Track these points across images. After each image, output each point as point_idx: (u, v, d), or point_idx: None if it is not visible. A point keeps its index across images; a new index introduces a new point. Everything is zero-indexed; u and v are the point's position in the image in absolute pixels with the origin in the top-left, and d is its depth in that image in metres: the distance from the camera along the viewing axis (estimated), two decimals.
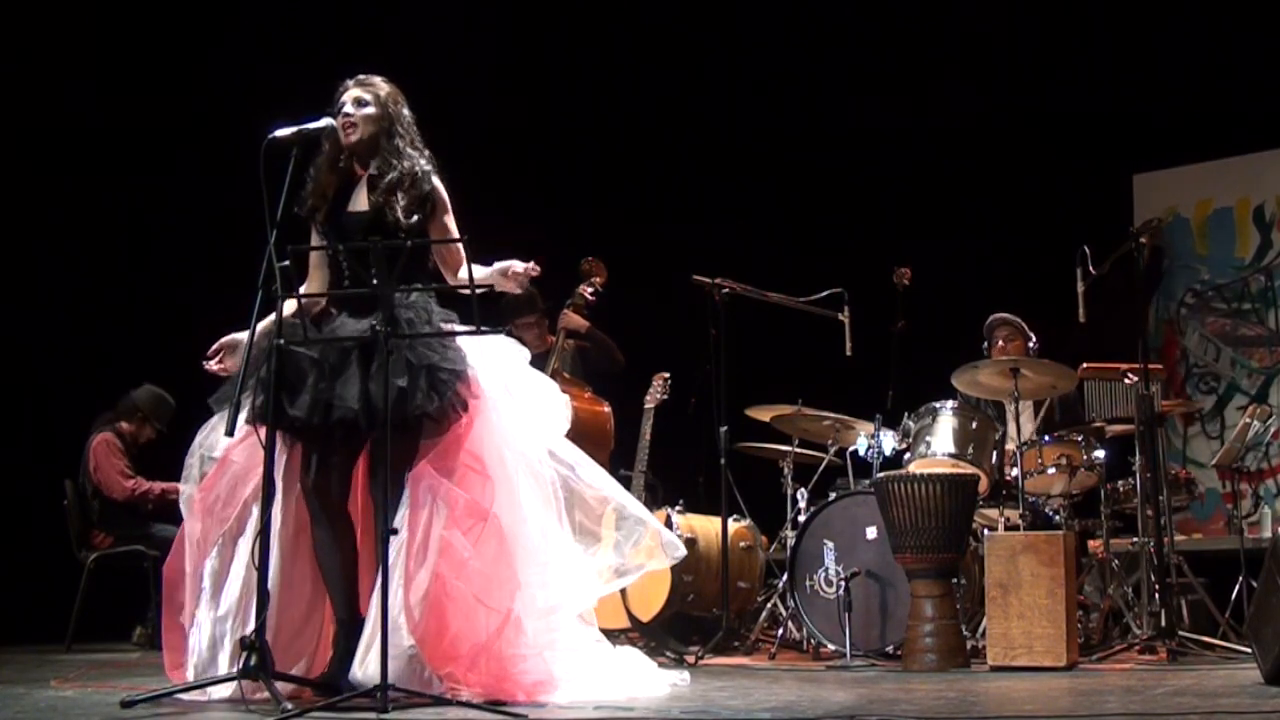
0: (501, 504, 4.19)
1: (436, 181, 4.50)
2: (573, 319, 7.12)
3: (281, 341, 4.11)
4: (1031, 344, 6.94)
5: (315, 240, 4.52)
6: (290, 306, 4.16)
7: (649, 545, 4.54)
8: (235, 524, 4.33)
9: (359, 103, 4.48)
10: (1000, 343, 6.99)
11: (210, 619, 4.25)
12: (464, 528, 4.13)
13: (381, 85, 4.54)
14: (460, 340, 4.31)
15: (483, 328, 4.05)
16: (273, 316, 4.20)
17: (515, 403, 4.38)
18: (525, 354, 4.57)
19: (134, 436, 7.98)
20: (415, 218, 4.39)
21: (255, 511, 4.29)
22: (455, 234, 4.44)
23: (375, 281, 4.16)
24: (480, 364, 4.33)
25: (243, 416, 4.10)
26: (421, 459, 4.21)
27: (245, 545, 4.25)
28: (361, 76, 4.56)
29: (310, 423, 4.17)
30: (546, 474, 4.38)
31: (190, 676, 4.23)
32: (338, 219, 4.47)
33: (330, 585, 4.30)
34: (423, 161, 4.49)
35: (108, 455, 7.80)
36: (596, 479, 4.53)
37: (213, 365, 4.43)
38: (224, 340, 4.43)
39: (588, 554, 4.44)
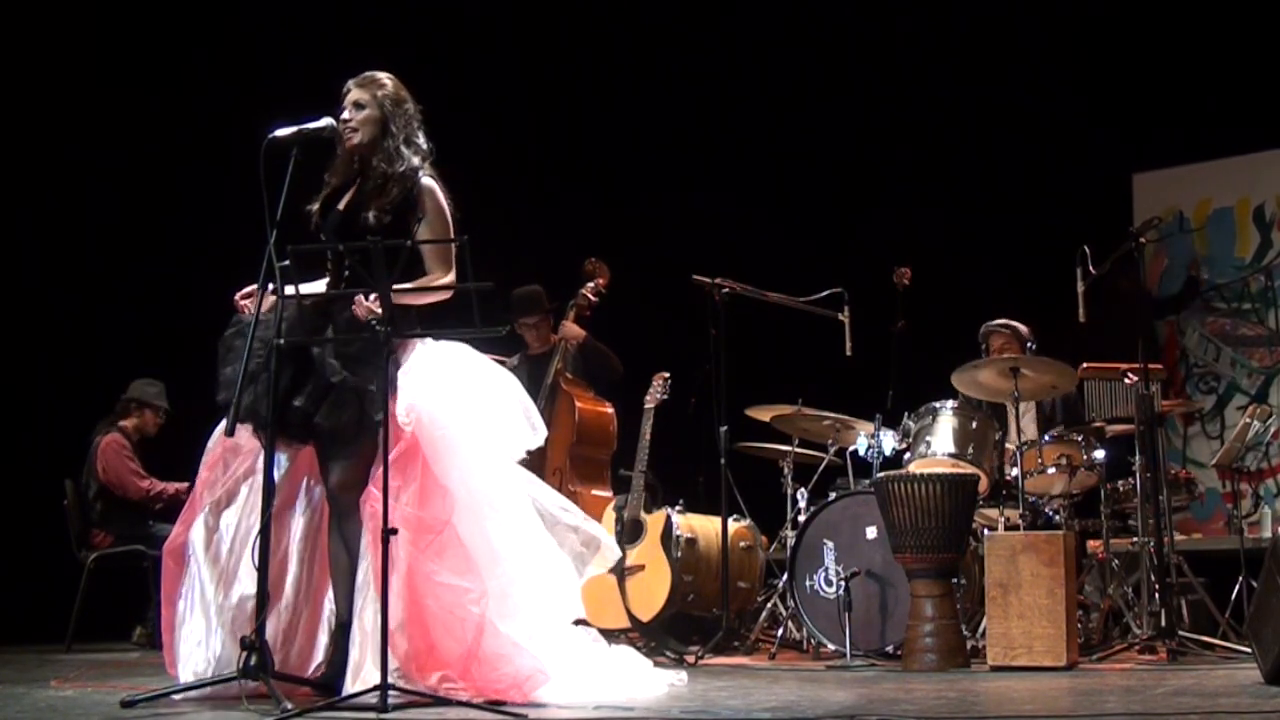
0: (461, 513, 4.17)
1: (426, 181, 4.42)
2: (571, 330, 7.12)
3: (281, 342, 4.11)
4: (1029, 348, 6.90)
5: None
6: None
7: (582, 552, 4.54)
8: (224, 496, 4.37)
9: (358, 106, 4.46)
10: (995, 351, 6.96)
11: (195, 588, 4.30)
12: (424, 544, 4.11)
13: (382, 83, 4.50)
14: (419, 352, 4.31)
15: (483, 328, 4.05)
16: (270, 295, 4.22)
17: (471, 415, 4.32)
18: (489, 362, 4.50)
19: (140, 431, 7.97)
20: (390, 218, 4.33)
21: (244, 490, 4.36)
22: (448, 236, 4.41)
23: (345, 284, 4.26)
24: (432, 378, 4.29)
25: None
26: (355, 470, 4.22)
27: (229, 518, 4.34)
28: (365, 75, 4.52)
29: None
30: (508, 481, 4.38)
31: (178, 640, 4.26)
32: (325, 216, 4.48)
33: (335, 585, 4.31)
34: (415, 160, 4.44)
35: (119, 457, 7.78)
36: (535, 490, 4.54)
37: (241, 302, 4.44)
38: (254, 287, 4.38)
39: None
